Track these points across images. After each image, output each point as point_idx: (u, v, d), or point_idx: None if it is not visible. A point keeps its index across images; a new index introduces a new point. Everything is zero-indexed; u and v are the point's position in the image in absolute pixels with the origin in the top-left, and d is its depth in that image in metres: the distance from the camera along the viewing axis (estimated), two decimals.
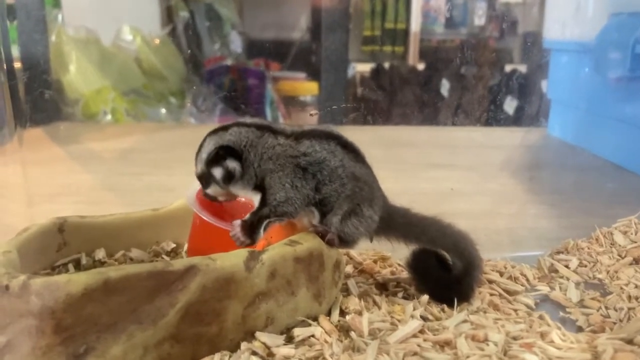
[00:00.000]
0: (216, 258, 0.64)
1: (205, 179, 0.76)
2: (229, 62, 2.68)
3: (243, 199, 0.81)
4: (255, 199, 0.74)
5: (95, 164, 1.64)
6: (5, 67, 1.01)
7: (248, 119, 0.76)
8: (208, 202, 0.80)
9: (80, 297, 0.56)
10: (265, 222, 0.72)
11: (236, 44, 2.79)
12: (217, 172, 0.74)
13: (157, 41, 2.51)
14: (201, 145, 0.75)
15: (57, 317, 0.55)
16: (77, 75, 2.17)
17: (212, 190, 0.76)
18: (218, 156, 0.73)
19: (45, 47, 1.93)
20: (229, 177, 0.74)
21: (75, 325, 0.56)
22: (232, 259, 0.64)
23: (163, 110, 2.39)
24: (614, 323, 0.78)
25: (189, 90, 2.51)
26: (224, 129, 0.75)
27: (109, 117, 2.23)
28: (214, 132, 0.75)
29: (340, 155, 0.74)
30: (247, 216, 0.72)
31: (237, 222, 0.71)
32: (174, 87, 2.49)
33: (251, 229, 0.71)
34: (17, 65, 1.25)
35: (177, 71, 2.53)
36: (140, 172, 1.56)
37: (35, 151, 1.44)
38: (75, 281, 0.56)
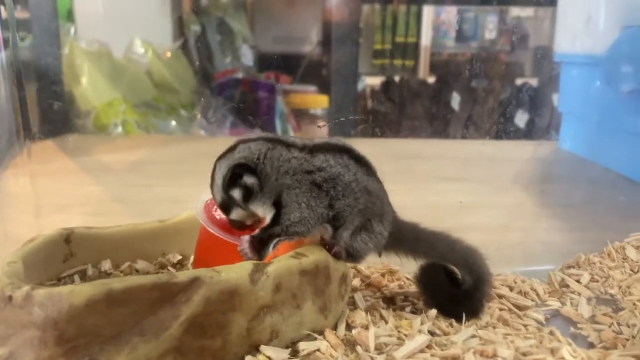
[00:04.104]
0: (220, 270, 0.63)
1: (227, 205, 0.74)
2: (239, 75, 2.69)
3: None
4: (268, 215, 0.72)
5: (105, 175, 1.65)
6: (15, 80, 1.02)
7: (253, 135, 0.75)
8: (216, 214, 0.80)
9: (83, 308, 0.56)
10: (275, 241, 0.71)
11: (247, 57, 2.80)
12: (237, 194, 0.72)
13: (169, 54, 2.53)
14: (213, 174, 0.74)
15: (59, 329, 0.55)
16: (88, 87, 2.19)
17: (235, 214, 0.74)
18: (233, 176, 0.71)
19: (58, 60, 1.95)
20: (248, 195, 0.72)
21: (78, 336, 0.56)
22: (237, 272, 0.64)
23: (173, 123, 2.40)
24: (627, 340, 0.76)
25: (199, 103, 2.53)
26: (230, 150, 0.73)
27: (119, 129, 2.24)
28: (221, 156, 0.74)
29: (354, 169, 0.74)
30: (257, 232, 0.71)
31: (246, 237, 0.70)
32: (184, 99, 2.50)
33: (260, 246, 0.70)
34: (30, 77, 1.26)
35: (188, 84, 2.55)
36: (150, 184, 1.56)
37: (46, 163, 1.45)
38: (78, 292, 0.56)
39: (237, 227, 0.76)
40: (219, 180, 0.73)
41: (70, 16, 2.28)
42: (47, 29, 1.91)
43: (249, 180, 0.71)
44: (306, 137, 0.77)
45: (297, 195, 0.71)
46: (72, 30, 2.22)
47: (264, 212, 0.73)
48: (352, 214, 0.73)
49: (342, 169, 0.73)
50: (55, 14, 2.00)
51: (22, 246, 0.72)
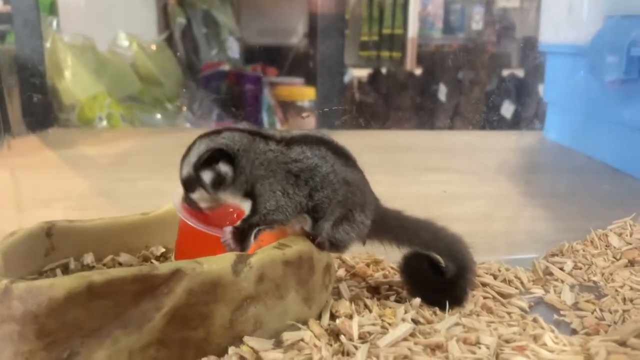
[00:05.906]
0: (203, 262, 0.63)
1: (191, 182, 0.73)
2: (226, 67, 2.68)
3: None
4: (246, 206, 0.72)
5: (90, 169, 1.63)
6: None
7: (240, 125, 0.75)
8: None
9: (64, 302, 0.55)
10: (255, 230, 0.71)
11: (233, 50, 2.79)
12: (207, 176, 0.71)
13: (154, 47, 2.51)
14: (190, 148, 0.73)
15: (40, 322, 0.55)
16: (72, 81, 2.17)
17: (197, 195, 0.73)
18: (210, 159, 0.70)
19: (40, 53, 1.93)
20: (218, 182, 0.71)
21: (58, 330, 0.55)
22: (219, 263, 0.64)
23: (159, 116, 2.39)
24: (609, 325, 0.77)
25: (184, 96, 2.51)
26: (216, 132, 0.73)
27: (104, 122, 2.22)
28: (205, 135, 0.73)
29: (332, 160, 0.73)
30: (238, 223, 0.71)
31: (229, 228, 0.70)
32: (170, 92, 2.48)
33: (242, 236, 0.70)
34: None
35: (173, 77, 2.53)
36: (135, 177, 1.55)
37: (30, 157, 1.43)
38: (58, 285, 0.55)
39: (192, 206, 0.75)
40: (193, 157, 0.72)
41: (52, 9, 2.26)
42: (28, 22, 1.89)
43: (223, 168, 0.70)
44: (287, 129, 0.76)
45: (271, 185, 0.71)
46: (55, 23, 2.20)
47: (234, 201, 0.73)
48: (331, 205, 0.73)
49: (319, 161, 0.72)
50: (36, 6, 1.97)
51: (3, 240, 0.72)
